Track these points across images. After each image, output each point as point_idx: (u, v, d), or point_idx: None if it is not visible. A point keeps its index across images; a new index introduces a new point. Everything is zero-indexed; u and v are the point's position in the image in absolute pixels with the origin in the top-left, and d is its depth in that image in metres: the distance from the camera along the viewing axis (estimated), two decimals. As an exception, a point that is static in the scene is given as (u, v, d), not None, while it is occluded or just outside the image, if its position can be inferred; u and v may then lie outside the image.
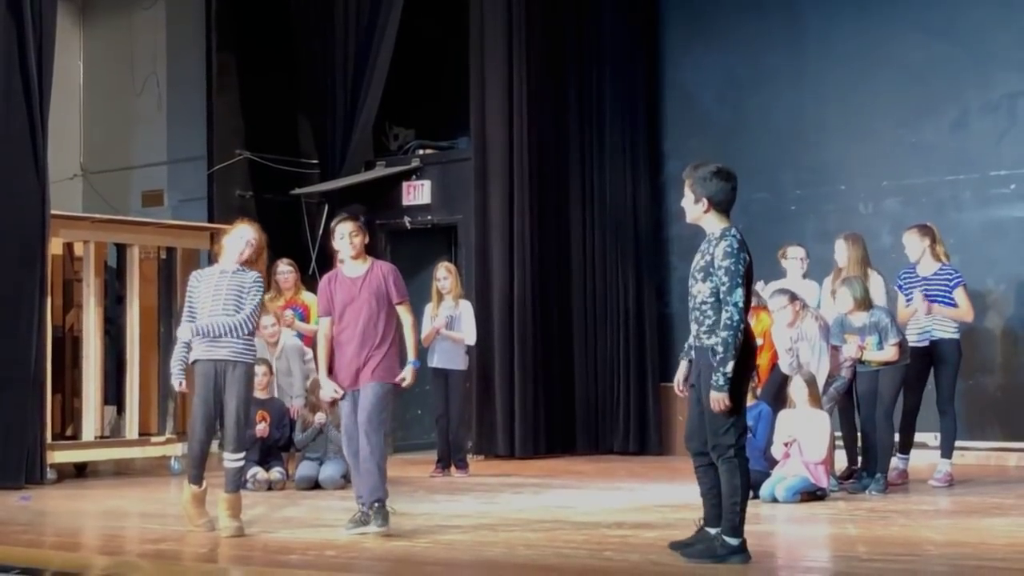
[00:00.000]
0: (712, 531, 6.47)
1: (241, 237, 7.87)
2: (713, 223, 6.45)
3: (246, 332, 7.70)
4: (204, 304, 7.74)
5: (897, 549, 6.93)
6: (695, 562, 6.34)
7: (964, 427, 10.86)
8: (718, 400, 6.26)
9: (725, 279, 6.28)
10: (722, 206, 6.43)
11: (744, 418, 6.45)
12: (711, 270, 6.35)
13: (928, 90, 11.80)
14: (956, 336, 9.70)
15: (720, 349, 6.26)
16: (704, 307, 6.37)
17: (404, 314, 7.67)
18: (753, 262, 6.41)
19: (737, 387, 6.30)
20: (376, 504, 7.39)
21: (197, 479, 7.81)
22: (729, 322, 6.25)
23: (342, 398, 7.56)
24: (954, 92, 11.73)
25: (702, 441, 6.46)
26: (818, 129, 12.29)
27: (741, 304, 6.28)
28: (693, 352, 6.54)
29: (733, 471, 6.34)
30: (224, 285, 7.76)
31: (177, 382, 7.90)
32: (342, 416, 7.63)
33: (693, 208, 6.49)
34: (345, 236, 7.63)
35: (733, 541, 6.34)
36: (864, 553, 6.82)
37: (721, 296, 6.29)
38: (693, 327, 6.48)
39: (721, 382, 6.25)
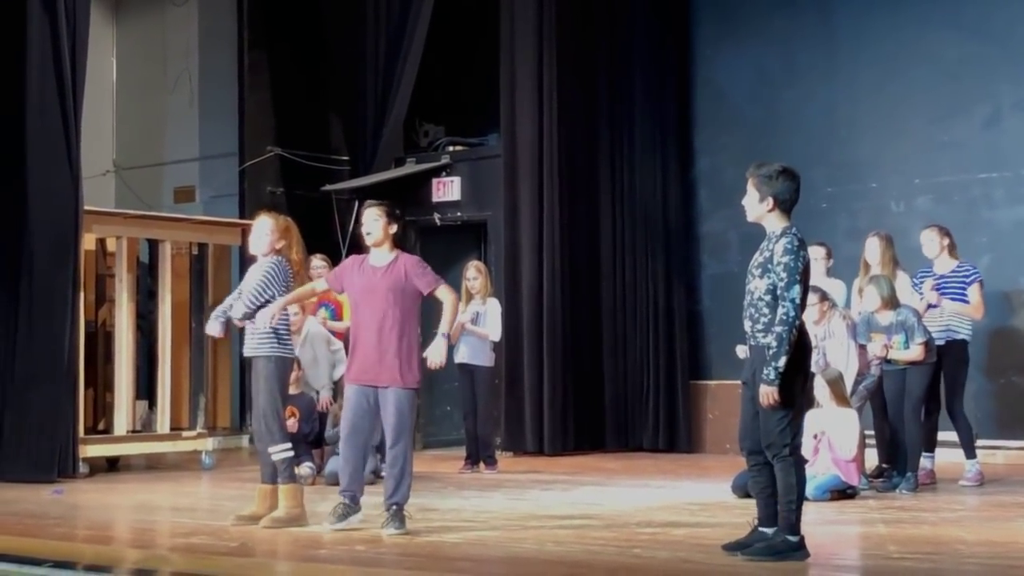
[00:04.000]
0: (767, 531, 6.48)
1: (258, 229, 7.93)
2: (775, 222, 6.46)
3: (239, 320, 7.80)
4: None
5: (927, 548, 6.91)
6: (755, 560, 6.34)
7: (995, 426, 10.82)
8: (767, 394, 6.27)
9: (784, 275, 6.30)
10: (786, 205, 6.45)
11: (800, 416, 6.45)
12: (769, 266, 6.35)
13: (961, 87, 11.74)
14: (967, 337, 9.62)
15: (774, 344, 6.27)
16: (760, 304, 6.38)
17: (443, 296, 7.46)
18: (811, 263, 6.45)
19: (790, 384, 6.30)
20: (394, 507, 7.39)
21: (263, 475, 7.91)
22: (785, 317, 6.26)
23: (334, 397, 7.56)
24: (987, 89, 11.66)
25: (755, 440, 6.46)
26: (850, 126, 12.24)
27: (798, 301, 6.28)
28: (750, 353, 6.51)
29: (789, 470, 6.34)
30: (252, 277, 7.89)
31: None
32: (348, 408, 7.46)
33: (757, 207, 6.48)
34: (367, 221, 7.52)
35: (793, 539, 6.36)
36: (894, 552, 6.80)
37: (778, 292, 6.31)
38: (747, 324, 6.46)
39: (772, 376, 6.26)
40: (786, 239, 6.36)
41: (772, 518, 6.46)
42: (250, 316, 7.77)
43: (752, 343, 6.46)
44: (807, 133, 12.36)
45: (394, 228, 7.53)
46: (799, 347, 6.33)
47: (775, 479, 6.40)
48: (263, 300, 7.72)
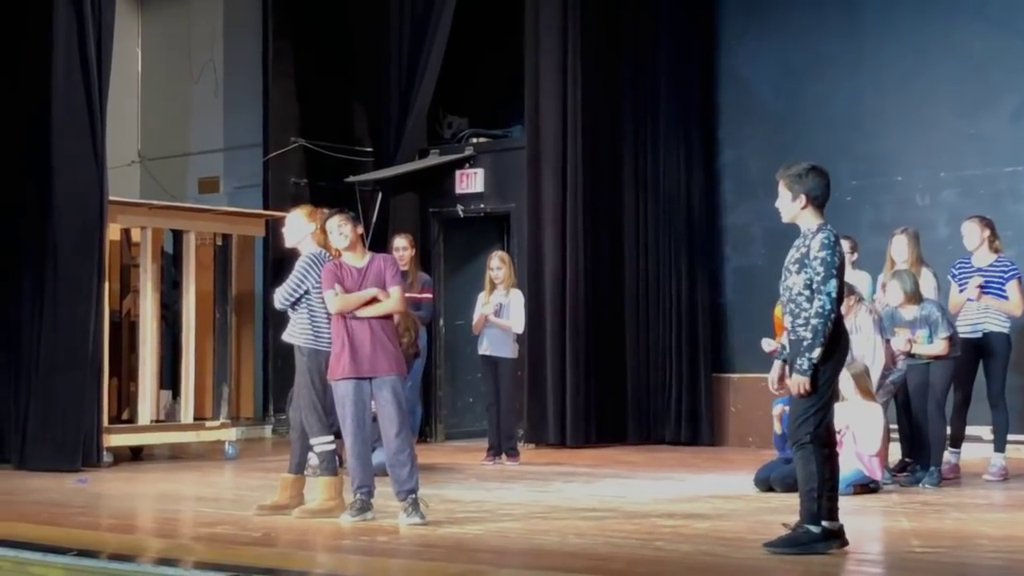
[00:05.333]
0: (830, 525, 6.48)
1: (287, 223, 8.14)
2: (809, 219, 6.54)
3: (280, 300, 7.89)
4: None
5: (950, 542, 6.89)
6: (777, 552, 6.35)
7: (1019, 421, 10.75)
8: (799, 383, 6.35)
9: (820, 269, 6.38)
10: (818, 201, 6.53)
11: (827, 408, 6.47)
12: (806, 261, 6.44)
13: (987, 80, 11.66)
14: (1007, 330, 9.60)
15: (809, 335, 6.35)
16: (799, 299, 6.45)
17: (392, 293, 7.60)
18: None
19: (824, 374, 6.36)
20: (411, 496, 7.42)
21: (290, 465, 8.01)
22: (821, 310, 6.34)
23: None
24: (1014, 82, 11.58)
25: None
26: (875, 119, 12.18)
27: (834, 295, 6.37)
28: (789, 347, 6.57)
29: (808, 458, 6.39)
30: None
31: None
32: (347, 404, 7.56)
33: (790, 206, 6.56)
34: (334, 230, 7.70)
35: (815, 529, 6.38)
36: (917, 546, 6.78)
37: (815, 286, 6.38)
38: (787, 320, 6.54)
39: (805, 366, 6.34)
40: (822, 234, 6.45)
41: (832, 512, 6.45)
42: (289, 306, 7.90)
43: (792, 337, 6.51)
44: (832, 126, 12.30)
45: (360, 230, 7.82)
46: (834, 340, 6.39)
47: (834, 472, 6.46)
48: (302, 291, 7.86)
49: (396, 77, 13.53)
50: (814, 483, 6.38)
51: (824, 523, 6.39)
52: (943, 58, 11.85)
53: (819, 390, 6.38)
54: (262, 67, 14.13)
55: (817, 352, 6.33)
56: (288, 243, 8.18)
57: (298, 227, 8.05)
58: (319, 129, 14.15)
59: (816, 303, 6.36)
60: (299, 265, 7.92)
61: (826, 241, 6.41)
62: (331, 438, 7.91)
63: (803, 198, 6.51)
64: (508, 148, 13.49)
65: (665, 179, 12.84)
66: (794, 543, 6.37)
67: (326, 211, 8.05)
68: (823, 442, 6.44)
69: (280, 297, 7.92)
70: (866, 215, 11.99)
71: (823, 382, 6.39)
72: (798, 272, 6.46)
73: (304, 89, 14.16)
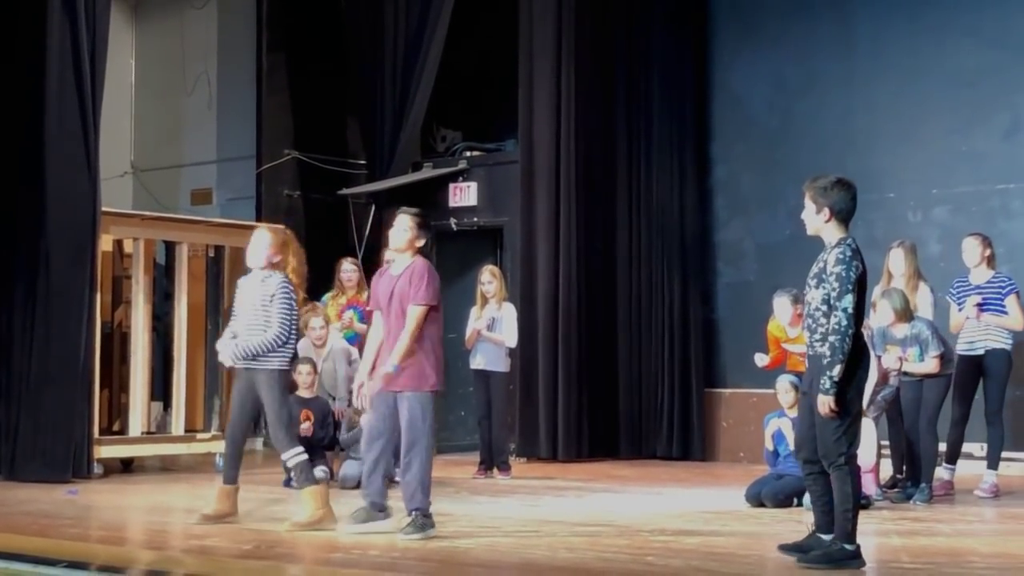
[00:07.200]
0: (824, 537, 6.52)
1: (256, 243, 8.00)
2: (832, 233, 6.55)
3: (279, 345, 7.76)
4: (242, 311, 7.96)
5: (941, 559, 6.89)
6: (812, 567, 6.39)
7: (1012, 438, 10.77)
8: (824, 403, 6.36)
9: (835, 285, 6.39)
10: (842, 215, 6.55)
11: (857, 426, 6.50)
12: (823, 276, 6.45)
13: (980, 97, 11.70)
14: (1008, 346, 9.63)
15: (828, 353, 6.35)
16: (817, 314, 6.47)
17: (409, 314, 7.35)
18: (867, 272, 6.49)
19: (849, 393, 6.39)
20: (415, 512, 7.40)
21: (225, 477, 8.06)
22: (838, 327, 6.34)
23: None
24: (1006, 99, 11.62)
25: (812, 450, 6.55)
26: (867, 135, 12.21)
27: (851, 310, 6.36)
28: (807, 362, 6.59)
29: (845, 478, 6.42)
30: (255, 294, 7.89)
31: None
32: (371, 413, 7.52)
33: (815, 219, 6.59)
34: (396, 227, 7.54)
35: (850, 547, 6.42)
36: (908, 563, 6.78)
37: (832, 301, 6.39)
38: (806, 335, 6.57)
39: (827, 385, 6.34)
40: (839, 249, 6.46)
41: (829, 525, 6.51)
42: (294, 340, 7.90)
43: (810, 352, 6.53)
44: (824, 141, 12.32)
45: (421, 242, 7.57)
46: (855, 356, 6.39)
47: (831, 487, 6.48)
48: (295, 318, 7.86)
49: (390, 90, 13.55)
50: (850, 503, 6.42)
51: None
52: (936, 75, 11.89)
53: (845, 408, 6.39)
54: (256, 79, 14.15)
55: (838, 370, 6.32)
56: (250, 263, 7.98)
57: (264, 252, 7.89)
58: (312, 141, 14.16)
59: (832, 319, 6.36)
60: (280, 296, 7.78)
61: (841, 256, 6.41)
62: (301, 449, 7.88)
63: (827, 211, 6.53)
64: (501, 162, 13.51)
65: (658, 194, 12.86)
66: (829, 559, 6.40)
67: (289, 235, 7.98)
68: (856, 461, 6.50)
69: (279, 337, 7.72)
70: (858, 232, 11.72)
71: (848, 399, 6.39)
72: (816, 287, 6.47)
73: (298, 101, 14.18)
